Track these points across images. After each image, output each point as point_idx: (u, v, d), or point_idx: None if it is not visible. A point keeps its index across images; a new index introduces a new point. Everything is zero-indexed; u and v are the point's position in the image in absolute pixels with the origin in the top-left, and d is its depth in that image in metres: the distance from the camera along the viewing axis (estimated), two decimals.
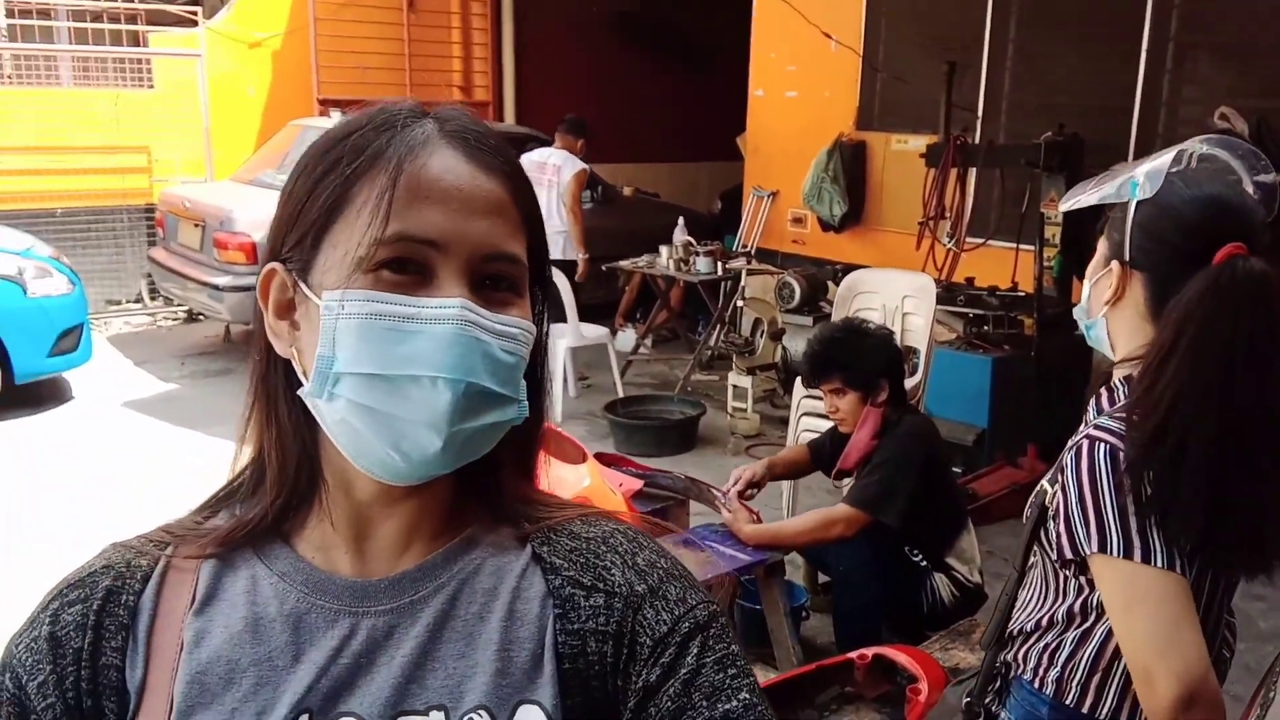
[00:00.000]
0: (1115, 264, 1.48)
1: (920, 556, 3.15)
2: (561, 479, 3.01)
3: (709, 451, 5.68)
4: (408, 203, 0.72)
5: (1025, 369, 4.96)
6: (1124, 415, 1.40)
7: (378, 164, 0.74)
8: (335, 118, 8.41)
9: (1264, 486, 1.38)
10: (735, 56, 8.03)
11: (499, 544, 0.80)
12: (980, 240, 5.58)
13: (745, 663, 0.77)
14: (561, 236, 6.43)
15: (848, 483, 3.38)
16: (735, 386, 6.07)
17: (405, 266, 0.72)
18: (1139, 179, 1.47)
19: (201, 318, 8.22)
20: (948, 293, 5.22)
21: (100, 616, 0.76)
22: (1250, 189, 1.54)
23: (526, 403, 0.77)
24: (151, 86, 8.86)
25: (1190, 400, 1.33)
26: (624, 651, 0.76)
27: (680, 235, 6.70)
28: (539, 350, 0.81)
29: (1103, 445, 1.39)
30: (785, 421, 6.03)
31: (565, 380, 6.44)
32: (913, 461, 3.07)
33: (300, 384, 0.75)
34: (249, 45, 9.37)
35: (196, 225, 7.09)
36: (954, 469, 4.26)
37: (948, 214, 5.39)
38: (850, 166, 6.68)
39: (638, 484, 3.28)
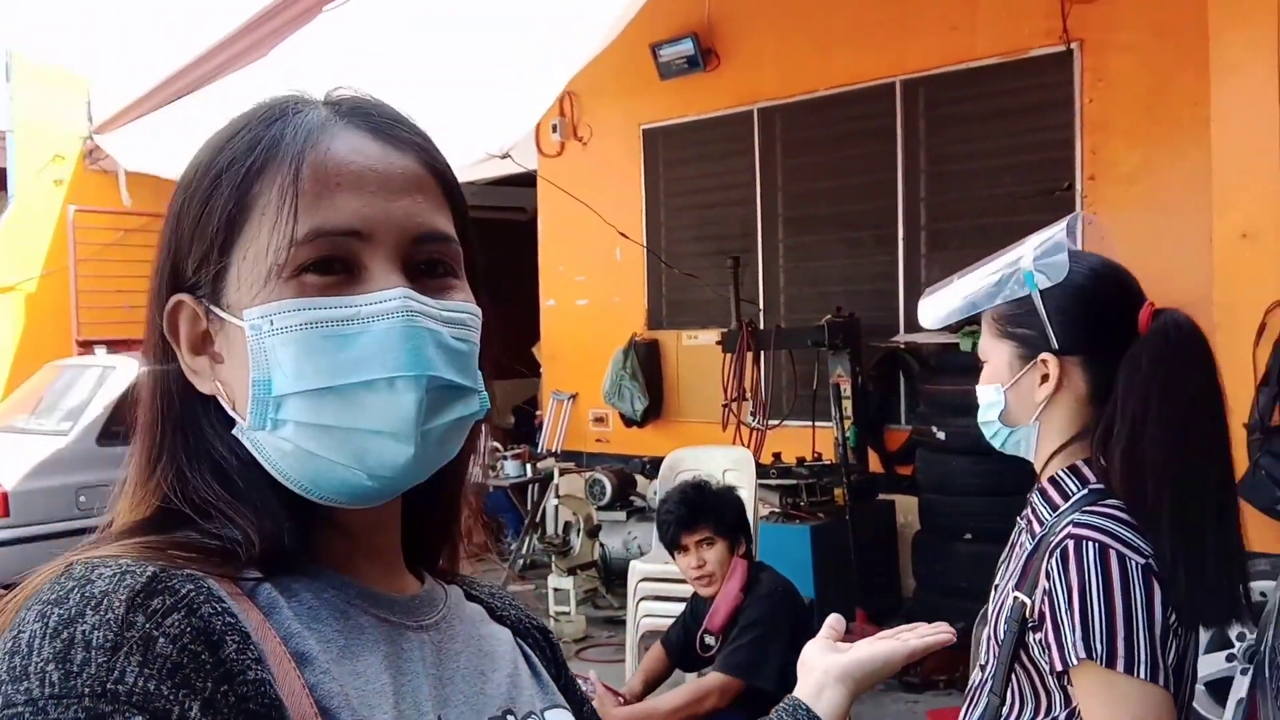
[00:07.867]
0: (1047, 356, 1.45)
1: None
2: None
3: None
4: (318, 194, 0.65)
5: (842, 535, 5.12)
6: (1107, 508, 1.36)
7: (275, 156, 0.66)
8: (100, 354, 7.96)
9: (1232, 529, 1.37)
10: (523, 277, 8.25)
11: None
12: (777, 422, 5.86)
13: None
14: None
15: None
16: (556, 589, 5.90)
17: (329, 266, 0.65)
18: (1029, 271, 1.46)
19: None
20: (759, 470, 5.38)
21: (214, 623, 0.58)
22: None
23: (486, 394, 0.72)
24: None
25: (1178, 462, 1.33)
26: (549, 658, 0.88)
27: (483, 442, 6.61)
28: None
29: (1091, 545, 1.32)
30: (611, 621, 5.88)
31: None
32: (782, 620, 2.97)
33: (231, 424, 0.68)
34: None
35: None
36: None
37: (748, 396, 5.65)
38: (646, 363, 6.94)
39: None
